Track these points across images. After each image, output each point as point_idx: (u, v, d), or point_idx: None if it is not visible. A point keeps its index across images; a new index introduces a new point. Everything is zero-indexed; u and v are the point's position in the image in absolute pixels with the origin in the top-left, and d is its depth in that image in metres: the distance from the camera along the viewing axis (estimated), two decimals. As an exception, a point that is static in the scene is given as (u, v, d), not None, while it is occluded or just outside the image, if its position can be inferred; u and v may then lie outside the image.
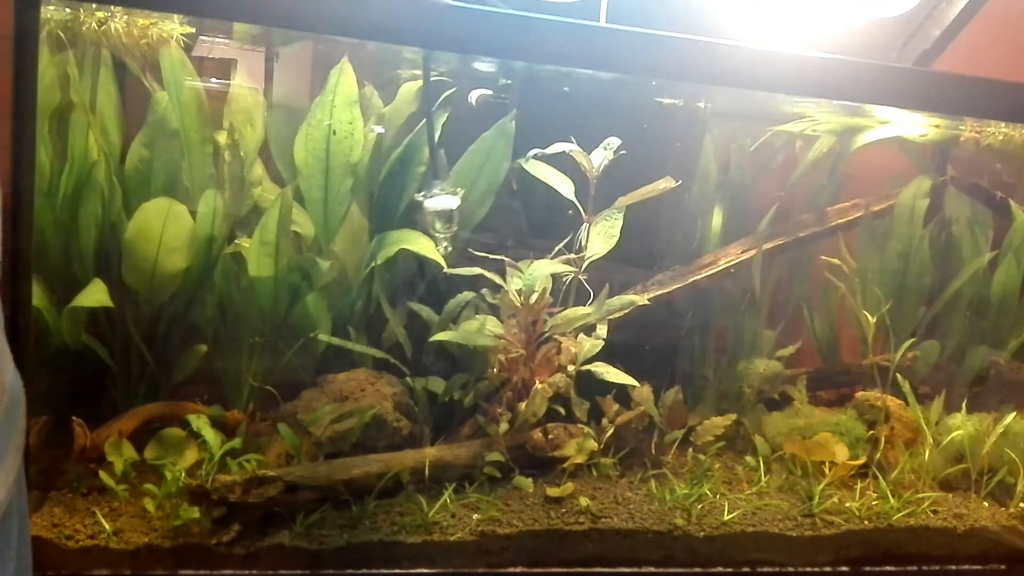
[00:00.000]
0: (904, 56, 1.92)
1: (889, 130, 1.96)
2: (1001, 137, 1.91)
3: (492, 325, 1.65)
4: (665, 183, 1.69)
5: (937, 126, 1.92)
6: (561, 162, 1.71)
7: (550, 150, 1.66)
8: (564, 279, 1.71)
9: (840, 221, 2.06)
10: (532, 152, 1.69)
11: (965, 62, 1.75)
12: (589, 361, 1.66)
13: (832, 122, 1.98)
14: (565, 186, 1.69)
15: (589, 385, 1.68)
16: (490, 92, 1.81)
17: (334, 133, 1.60)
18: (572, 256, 1.70)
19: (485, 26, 1.30)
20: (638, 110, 1.84)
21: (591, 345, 1.67)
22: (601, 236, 1.71)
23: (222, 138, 1.60)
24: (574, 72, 1.65)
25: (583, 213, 1.71)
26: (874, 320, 1.97)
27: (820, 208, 2.07)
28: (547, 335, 1.66)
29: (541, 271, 1.63)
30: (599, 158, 1.68)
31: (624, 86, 1.74)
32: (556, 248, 1.71)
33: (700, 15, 1.68)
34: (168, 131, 1.57)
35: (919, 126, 1.95)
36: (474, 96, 1.79)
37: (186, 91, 1.56)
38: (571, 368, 1.65)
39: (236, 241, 1.61)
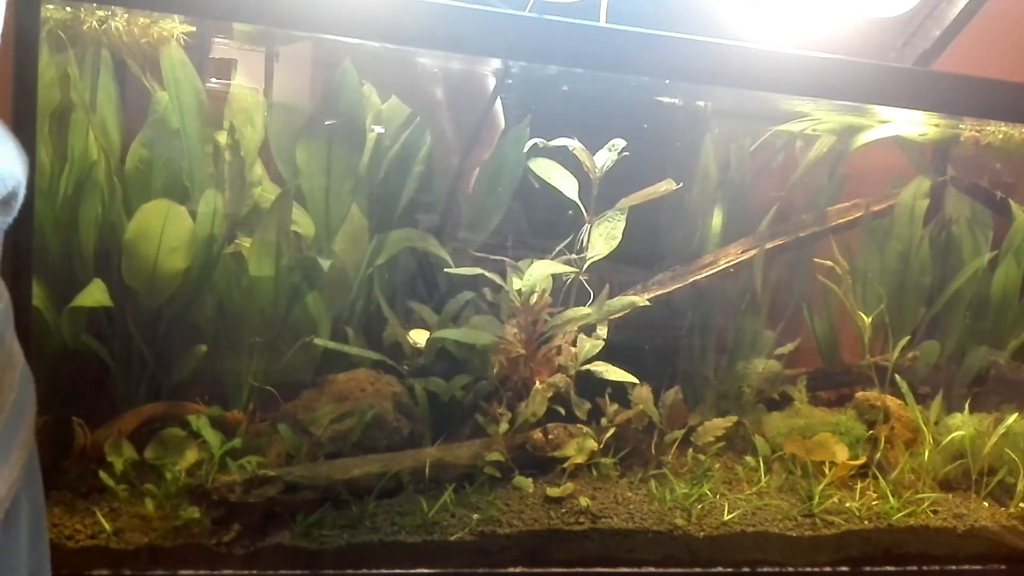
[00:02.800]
0: (904, 56, 1.92)
1: (888, 129, 1.96)
2: (1001, 136, 1.92)
3: (492, 325, 1.65)
4: (667, 185, 1.68)
5: (936, 125, 1.92)
6: (562, 162, 1.70)
7: (554, 143, 1.65)
8: (564, 279, 1.71)
9: (840, 221, 2.06)
10: (532, 141, 1.68)
11: (965, 62, 1.75)
12: (589, 361, 1.65)
13: (832, 121, 1.98)
14: (569, 185, 1.68)
15: (589, 385, 1.68)
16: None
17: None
18: (573, 256, 1.69)
19: (485, 26, 1.30)
20: (638, 109, 1.84)
21: (591, 346, 1.67)
22: (603, 237, 1.70)
23: (222, 138, 1.60)
24: (572, 71, 1.65)
25: (585, 213, 1.70)
26: (870, 320, 1.97)
27: (820, 208, 2.07)
28: (547, 335, 1.66)
29: (541, 272, 1.63)
30: (603, 159, 1.67)
31: (622, 85, 1.74)
32: (557, 248, 1.71)
33: (700, 15, 1.68)
34: (168, 131, 1.57)
35: (918, 125, 1.95)
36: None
37: (186, 91, 1.56)
38: (572, 367, 1.65)
39: (236, 241, 1.61)
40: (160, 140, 1.57)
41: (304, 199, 1.66)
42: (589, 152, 1.67)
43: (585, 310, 1.69)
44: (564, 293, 1.71)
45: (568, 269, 1.66)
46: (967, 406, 1.84)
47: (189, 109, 1.57)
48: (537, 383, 1.64)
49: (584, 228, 1.70)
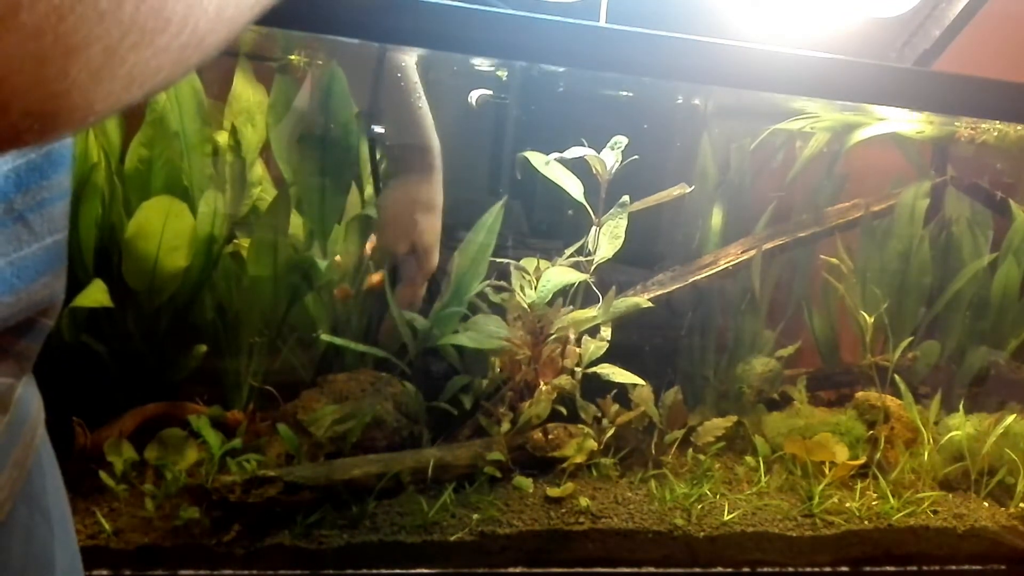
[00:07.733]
0: (904, 56, 1.92)
1: (883, 127, 1.96)
2: (996, 134, 1.91)
3: (498, 327, 1.64)
4: (679, 189, 1.68)
5: (931, 123, 1.91)
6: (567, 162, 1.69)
7: (566, 154, 1.61)
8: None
9: (840, 221, 2.06)
10: (479, 92, 1.65)
11: (965, 62, 1.75)
12: (594, 363, 1.65)
13: (829, 119, 1.98)
14: (575, 187, 1.67)
15: (590, 386, 1.68)
16: (490, 92, 1.81)
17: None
18: (582, 259, 1.68)
19: (485, 26, 1.30)
20: (637, 108, 1.84)
21: (596, 347, 1.67)
22: (606, 237, 1.70)
23: (222, 138, 1.60)
24: (570, 71, 1.64)
25: (593, 215, 1.69)
26: (871, 320, 1.97)
27: (820, 208, 2.06)
28: (554, 336, 1.66)
29: (555, 281, 1.60)
30: (609, 159, 1.65)
31: (620, 83, 1.73)
32: (568, 252, 1.69)
33: (700, 15, 1.68)
34: (168, 131, 1.57)
35: (914, 123, 1.95)
36: (474, 96, 1.79)
37: (185, 89, 1.55)
38: (578, 371, 1.64)
39: (235, 240, 1.61)
40: (159, 139, 1.57)
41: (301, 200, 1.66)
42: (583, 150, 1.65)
43: (591, 312, 1.68)
44: (571, 294, 1.71)
45: (582, 276, 1.65)
46: (961, 406, 1.84)
47: (188, 108, 1.56)
48: (542, 384, 1.63)
49: (593, 229, 1.69)
